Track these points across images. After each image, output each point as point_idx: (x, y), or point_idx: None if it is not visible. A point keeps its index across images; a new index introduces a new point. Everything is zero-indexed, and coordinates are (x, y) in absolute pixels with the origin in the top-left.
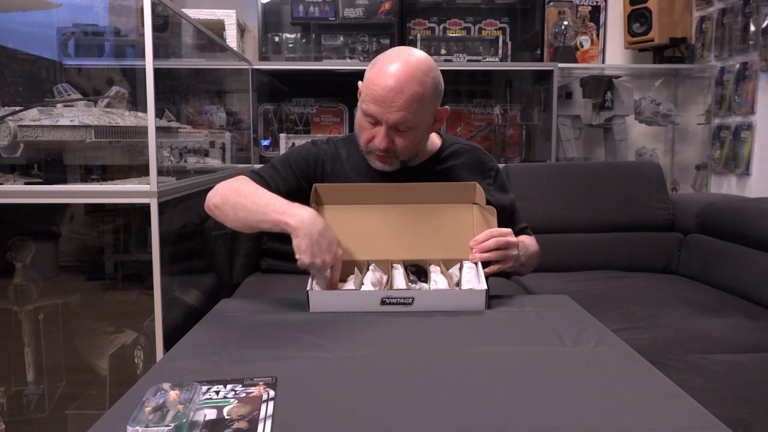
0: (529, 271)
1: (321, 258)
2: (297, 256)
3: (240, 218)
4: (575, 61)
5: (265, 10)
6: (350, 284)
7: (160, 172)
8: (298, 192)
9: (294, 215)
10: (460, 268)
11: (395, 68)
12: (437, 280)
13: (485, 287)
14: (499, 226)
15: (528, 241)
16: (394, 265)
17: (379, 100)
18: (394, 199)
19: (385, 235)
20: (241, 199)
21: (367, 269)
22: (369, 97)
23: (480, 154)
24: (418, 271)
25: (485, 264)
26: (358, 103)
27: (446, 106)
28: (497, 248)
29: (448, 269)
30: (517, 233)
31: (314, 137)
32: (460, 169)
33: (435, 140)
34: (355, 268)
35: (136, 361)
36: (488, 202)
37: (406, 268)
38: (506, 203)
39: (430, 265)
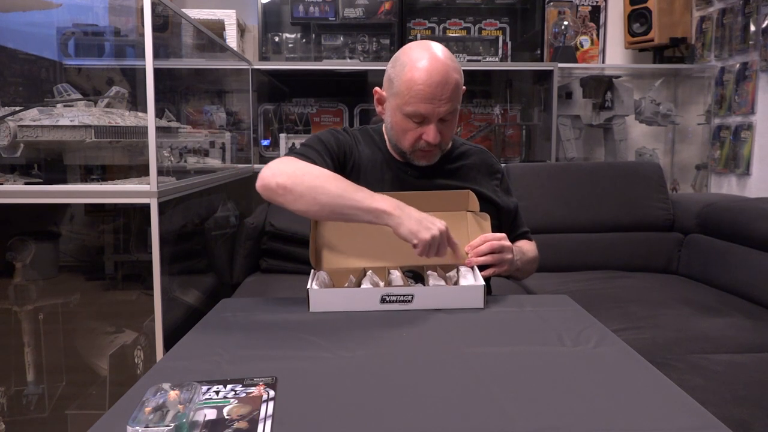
0: (526, 275)
1: (436, 227)
2: (416, 242)
3: (320, 201)
4: (575, 61)
5: (265, 10)
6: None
7: (160, 172)
8: None
9: (387, 203)
10: (457, 272)
11: (430, 64)
12: (435, 282)
13: (483, 283)
14: (502, 228)
15: (526, 246)
16: (391, 270)
17: (428, 97)
18: None
19: (382, 243)
20: (321, 182)
21: (364, 275)
22: (415, 99)
23: (487, 156)
24: (415, 277)
25: (481, 268)
26: (390, 108)
27: (463, 86)
28: (492, 252)
29: (445, 274)
30: (518, 237)
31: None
32: (470, 169)
33: None
34: (351, 276)
35: (136, 361)
36: (495, 203)
37: (403, 273)
38: (511, 206)
39: (427, 271)
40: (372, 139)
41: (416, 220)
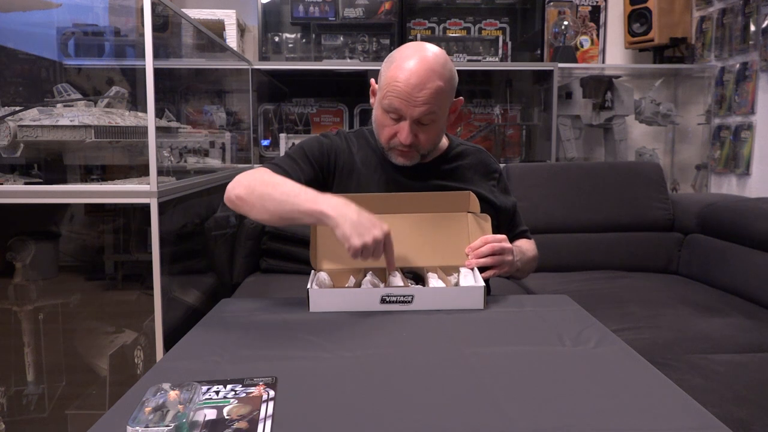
0: (526, 275)
1: (370, 236)
2: (347, 246)
3: (268, 209)
4: (575, 61)
5: (265, 10)
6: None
7: (160, 172)
8: (315, 183)
9: (328, 204)
10: (458, 274)
11: (415, 64)
12: (435, 284)
13: (483, 284)
14: (501, 228)
15: (526, 246)
16: (392, 272)
17: (404, 95)
18: (390, 208)
19: None
20: (269, 190)
21: (364, 276)
22: (392, 94)
23: (485, 156)
24: (415, 278)
25: (481, 270)
26: (375, 101)
27: (460, 97)
28: (492, 254)
29: (445, 276)
30: (517, 236)
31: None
32: (466, 169)
33: (443, 140)
34: (351, 277)
35: (136, 361)
36: (492, 203)
37: (403, 274)
38: (509, 205)
39: (427, 272)
40: (366, 141)
41: (352, 223)
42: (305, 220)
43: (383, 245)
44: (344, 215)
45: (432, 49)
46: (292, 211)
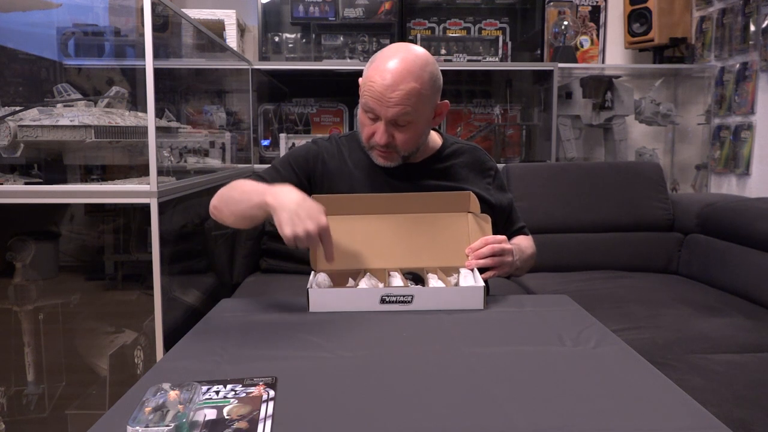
0: (525, 272)
1: (302, 227)
2: (280, 234)
3: (232, 211)
4: (575, 61)
5: (265, 10)
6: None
7: (160, 172)
8: (300, 189)
9: (272, 193)
10: (457, 274)
11: (392, 64)
12: (435, 284)
13: (483, 284)
14: (497, 225)
15: (524, 243)
16: (391, 273)
17: (377, 95)
18: (390, 208)
19: (381, 244)
20: (231, 192)
21: (363, 276)
22: (368, 93)
23: (480, 153)
24: (415, 278)
25: (481, 271)
26: (359, 100)
27: (446, 101)
28: (492, 255)
29: (445, 276)
30: (514, 232)
31: (314, 137)
32: (461, 168)
33: (436, 139)
34: (350, 278)
35: (136, 361)
36: (488, 201)
37: (403, 275)
38: (505, 203)
39: (427, 273)
40: (358, 143)
41: (288, 212)
42: (258, 215)
43: (319, 237)
44: (282, 204)
45: (414, 51)
46: (246, 208)
